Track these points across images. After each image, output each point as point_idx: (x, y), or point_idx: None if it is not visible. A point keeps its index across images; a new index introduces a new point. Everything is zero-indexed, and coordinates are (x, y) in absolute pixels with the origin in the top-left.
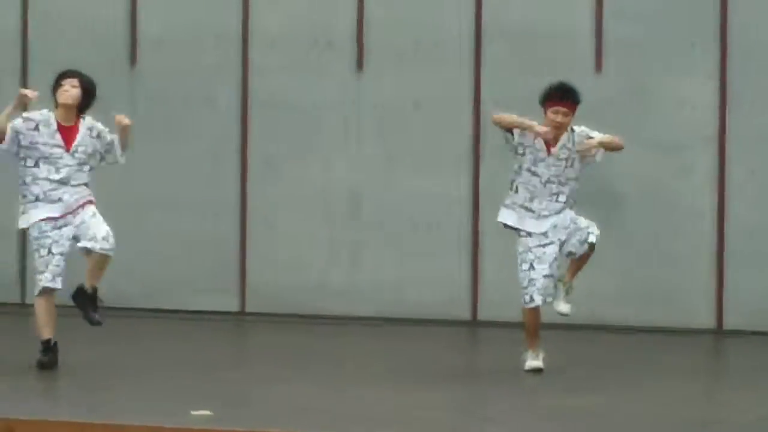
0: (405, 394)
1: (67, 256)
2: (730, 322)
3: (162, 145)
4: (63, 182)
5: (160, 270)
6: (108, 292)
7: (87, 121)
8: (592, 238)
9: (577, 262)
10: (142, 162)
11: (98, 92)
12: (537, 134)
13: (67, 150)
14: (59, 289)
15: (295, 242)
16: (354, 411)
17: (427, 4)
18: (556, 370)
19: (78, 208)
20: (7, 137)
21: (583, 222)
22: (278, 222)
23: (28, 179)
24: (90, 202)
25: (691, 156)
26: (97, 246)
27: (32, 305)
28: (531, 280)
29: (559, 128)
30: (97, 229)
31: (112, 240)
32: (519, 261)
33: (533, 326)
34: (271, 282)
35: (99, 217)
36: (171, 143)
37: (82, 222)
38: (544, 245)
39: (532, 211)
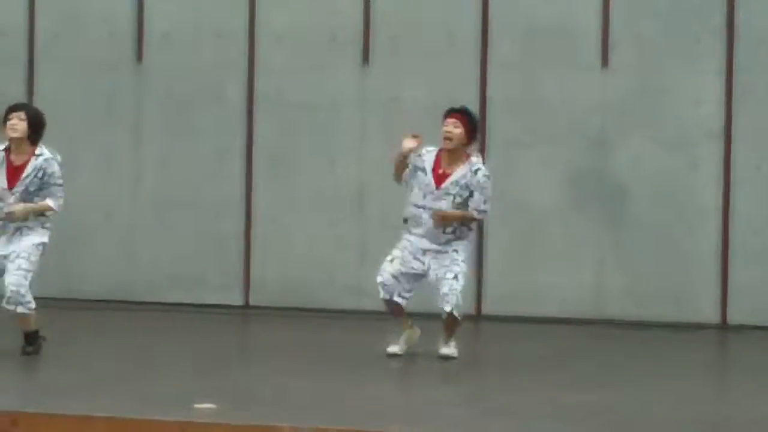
0: (413, 388)
1: None
2: (735, 317)
3: (167, 142)
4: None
5: (165, 264)
6: (114, 286)
7: (39, 161)
8: (446, 307)
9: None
10: (147, 159)
11: (103, 92)
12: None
13: (9, 189)
14: None
15: (301, 239)
16: (360, 405)
17: (434, 0)
18: (563, 365)
19: (15, 232)
20: None
21: (455, 285)
22: (284, 218)
23: None
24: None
25: (697, 152)
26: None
27: (38, 298)
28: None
29: (449, 139)
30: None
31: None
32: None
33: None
34: (275, 277)
35: (20, 261)
36: (177, 140)
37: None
38: (416, 256)
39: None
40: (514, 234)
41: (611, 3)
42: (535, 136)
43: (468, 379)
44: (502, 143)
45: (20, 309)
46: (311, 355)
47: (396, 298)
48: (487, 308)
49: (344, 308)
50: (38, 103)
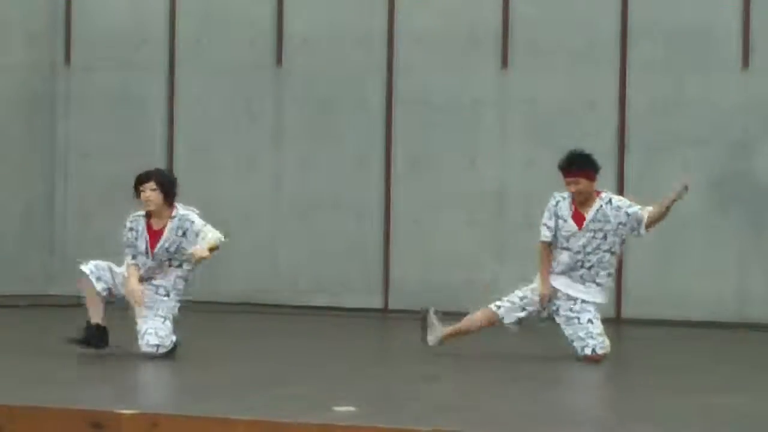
0: (554, 391)
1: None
2: None
3: (307, 145)
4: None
5: (305, 267)
6: (254, 289)
7: (176, 222)
8: (587, 351)
9: None
10: (287, 162)
11: (243, 95)
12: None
13: (149, 253)
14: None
15: (441, 240)
16: (500, 409)
17: (574, 2)
18: (706, 369)
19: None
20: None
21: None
22: (424, 220)
23: None
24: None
25: None
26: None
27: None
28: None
29: (579, 196)
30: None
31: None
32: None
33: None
34: (415, 280)
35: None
36: (316, 142)
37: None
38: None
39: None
40: (655, 237)
41: (751, 4)
42: (676, 139)
43: (611, 383)
44: (643, 146)
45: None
46: (450, 358)
47: None
48: (628, 311)
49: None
50: (179, 107)
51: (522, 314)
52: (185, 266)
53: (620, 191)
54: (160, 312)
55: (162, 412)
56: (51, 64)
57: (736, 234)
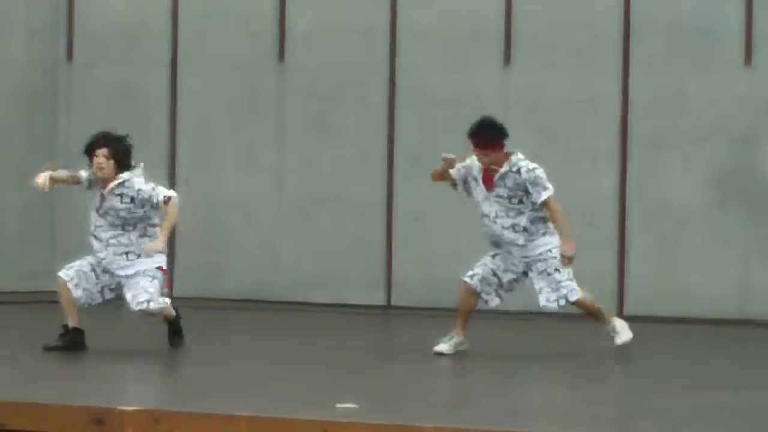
0: (556, 387)
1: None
2: None
3: (309, 141)
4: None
5: (307, 264)
6: (255, 286)
7: (120, 189)
8: (562, 302)
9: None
10: (289, 158)
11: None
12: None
13: (98, 212)
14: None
15: (442, 237)
16: (502, 405)
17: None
18: (707, 366)
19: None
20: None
21: (560, 278)
22: (426, 217)
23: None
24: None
25: None
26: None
27: (179, 298)
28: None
29: (486, 167)
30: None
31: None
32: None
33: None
34: (417, 277)
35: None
36: (318, 139)
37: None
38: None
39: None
40: (657, 234)
41: (754, 1)
42: (678, 136)
43: (611, 379)
44: (645, 143)
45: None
46: (453, 354)
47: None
48: (630, 309)
49: (486, 307)
50: (181, 103)
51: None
52: (140, 227)
53: (622, 188)
54: (141, 275)
55: (164, 408)
56: (53, 60)
57: (738, 231)
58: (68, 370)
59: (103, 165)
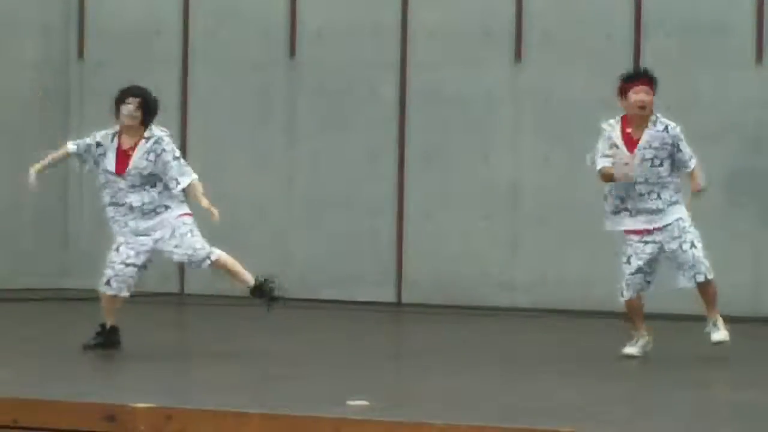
0: (568, 385)
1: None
2: None
3: (320, 139)
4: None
5: (318, 262)
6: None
7: (149, 144)
8: (699, 278)
9: (704, 298)
10: (301, 156)
11: (256, 89)
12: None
13: (117, 173)
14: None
15: (454, 235)
16: (514, 403)
17: None
18: (719, 363)
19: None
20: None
21: (695, 256)
22: (437, 215)
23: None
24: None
25: None
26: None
27: (190, 294)
28: (624, 274)
29: (643, 108)
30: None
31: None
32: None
33: (631, 314)
34: (427, 274)
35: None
36: (329, 136)
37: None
38: (644, 242)
39: (627, 210)
40: None
41: (766, 0)
42: (689, 134)
43: (626, 377)
44: None
45: (206, 264)
46: (464, 352)
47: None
48: (645, 305)
49: (497, 305)
50: (192, 101)
51: None
52: (160, 184)
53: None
54: (176, 232)
55: (176, 405)
56: (65, 58)
57: (750, 229)
58: (80, 367)
59: (134, 113)
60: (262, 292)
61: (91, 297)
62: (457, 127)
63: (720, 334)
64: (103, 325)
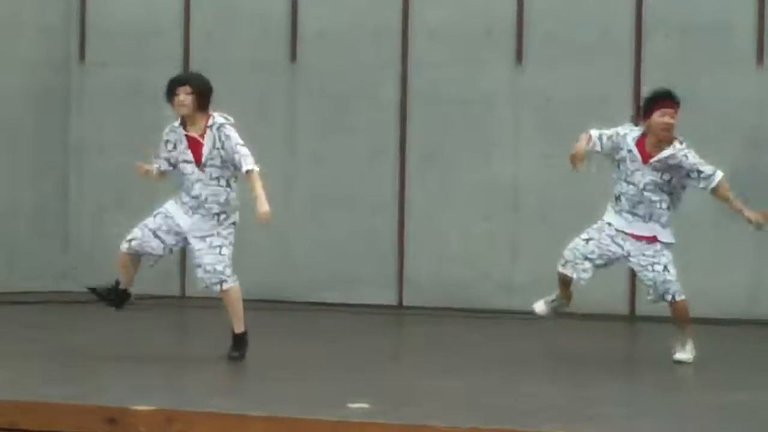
0: (566, 387)
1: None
2: None
3: (321, 141)
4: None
5: (319, 264)
6: (268, 286)
7: (214, 132)
8: (668, 298)
9: (674, 316)
10: (301, 158)
11: (257, 90)
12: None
13: (198, 164)
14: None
15: (455, 236)
16: (513, 405)
17: None
18: (715, 366)
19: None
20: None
21: (666, 279)
22: (438, 216)
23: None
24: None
25: None
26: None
27: (191, 297)
28: (574, 249)
29: (667, 131)
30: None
31: (213, 275)
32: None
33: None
34: (429, 276)
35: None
36: (330, 138)
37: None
38: (614, 242)
39: (626, 211)
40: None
41: (767, 0)
42: (690, 134)
43: (620, 379)
44: None
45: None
46: (465, 354)
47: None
48: (642, 309)
49: (498, 307)
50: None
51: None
52: (232, 184)
53: None
54: (215, 242)
55: (177, 408)
56: (65, 59)
57: (746, 230)
58: (80, 369)
59: (184, 101)
60: (242, 342)
61: (91, 299)
62: (458, 128)
63: (683, 354)
64: (117, 282)
